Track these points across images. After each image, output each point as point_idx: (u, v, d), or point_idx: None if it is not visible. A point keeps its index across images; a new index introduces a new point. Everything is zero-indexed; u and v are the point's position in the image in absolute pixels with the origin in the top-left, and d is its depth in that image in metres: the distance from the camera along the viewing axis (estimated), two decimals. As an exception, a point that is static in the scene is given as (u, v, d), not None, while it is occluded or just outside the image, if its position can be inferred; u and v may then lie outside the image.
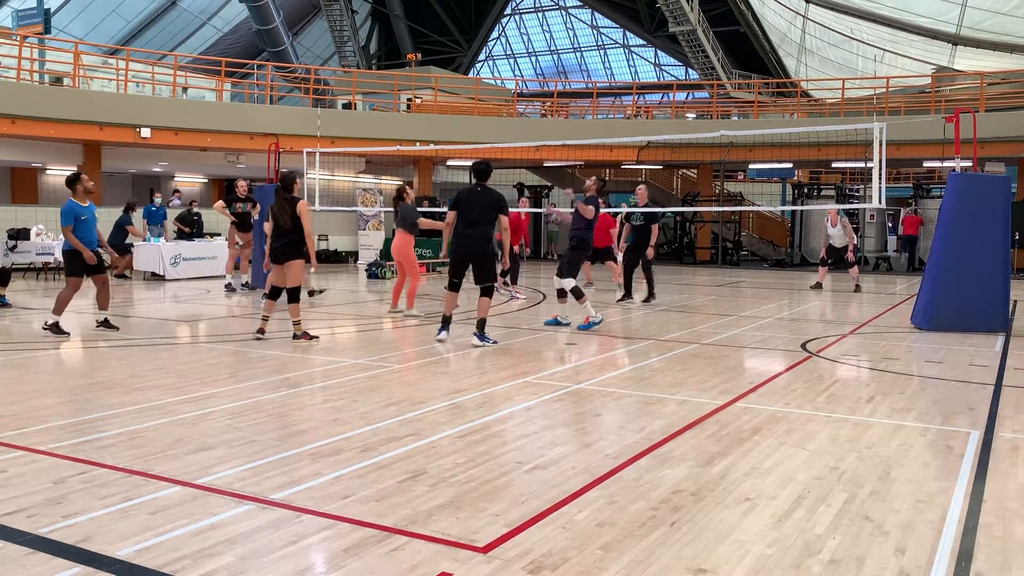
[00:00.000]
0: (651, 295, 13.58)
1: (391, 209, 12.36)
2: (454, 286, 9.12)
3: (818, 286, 16.73)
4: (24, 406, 5.86)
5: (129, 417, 5.56)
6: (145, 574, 3.14)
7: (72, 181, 9.37)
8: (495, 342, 8.94)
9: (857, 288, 16.24)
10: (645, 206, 13.59)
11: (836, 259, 16.76)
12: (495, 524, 3.68)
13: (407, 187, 11.72)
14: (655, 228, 13.48)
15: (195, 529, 3.57)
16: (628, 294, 13.59)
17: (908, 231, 24.45)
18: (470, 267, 9.08)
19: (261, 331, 9.25)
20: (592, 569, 3.23)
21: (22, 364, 7.73)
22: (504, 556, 3.33)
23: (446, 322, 9.12)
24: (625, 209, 15.09)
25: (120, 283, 16.80)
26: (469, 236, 8.91)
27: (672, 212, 26.65)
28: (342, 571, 3.19)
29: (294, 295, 9.27)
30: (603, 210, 15.65)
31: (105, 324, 9.69)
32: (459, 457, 4.70)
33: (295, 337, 9.16)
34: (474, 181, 9.13)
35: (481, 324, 9.00)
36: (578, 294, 10.18)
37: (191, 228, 18.57)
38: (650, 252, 13.28)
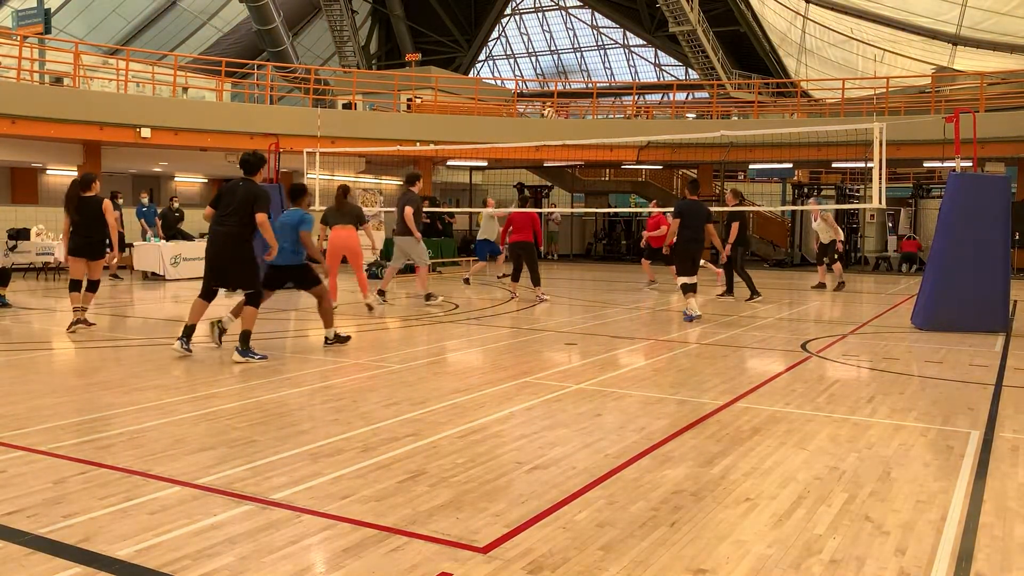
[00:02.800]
0: (752, 292, 14.33)
1: (391, 209, 12.58)
2: (205, 294, 8.11)
3: (820, 286, 16.70)
4: (24, 406, 5.86)
5: (129, 417, 5.56)
6: (145, 574, 3.14)
7: (300, 194, 8.98)
8: (263, 356, 7.87)
9: (840, 286, 16.17)
10: (736, 205, 14.57)
11: (830, 256, 16.69)
12: (495, 524, 3.68)
13: (349, 186, 12.54)
14: (735, 226, 14.34)
15: (195, 529, 3.57)
16: (729, 290, 14.90)
17: (907, 248, 24.75)
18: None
19: (83, 322, 9.74)
20: (592, 569, 3.23)
21: (22, 364, 7.73)
22: (504, 556, 3.33)
23: (187, 332, 7.99)
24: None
25: (115, 282, 16.80)
26: (216, 235, 7.88)
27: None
28: (342, 571, 3.19)
29: (95, 286, 10.00)
30: (656, 210, 16.59)
31: (337, 339, 8.87)
32: (459, 457, 4.70)
33: (76, 323, 9.66)
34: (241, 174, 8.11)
35: (244, 338, 7.83)
36: (684, 290, 11.30)
37: (171, 226, 18.58)
38: (727, 249, 14.21)
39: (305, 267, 8.74)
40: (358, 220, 11.77)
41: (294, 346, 9.30)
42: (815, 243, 16.97)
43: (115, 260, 10.09)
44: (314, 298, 8.88)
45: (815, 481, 4.35)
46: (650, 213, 17.08)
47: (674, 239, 11.57)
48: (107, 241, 9.91)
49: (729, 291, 14.78)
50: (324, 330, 8.85)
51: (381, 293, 12.70)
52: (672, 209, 12.02)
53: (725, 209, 14.87)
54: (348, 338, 8.97)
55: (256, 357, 7.83)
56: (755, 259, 28.27)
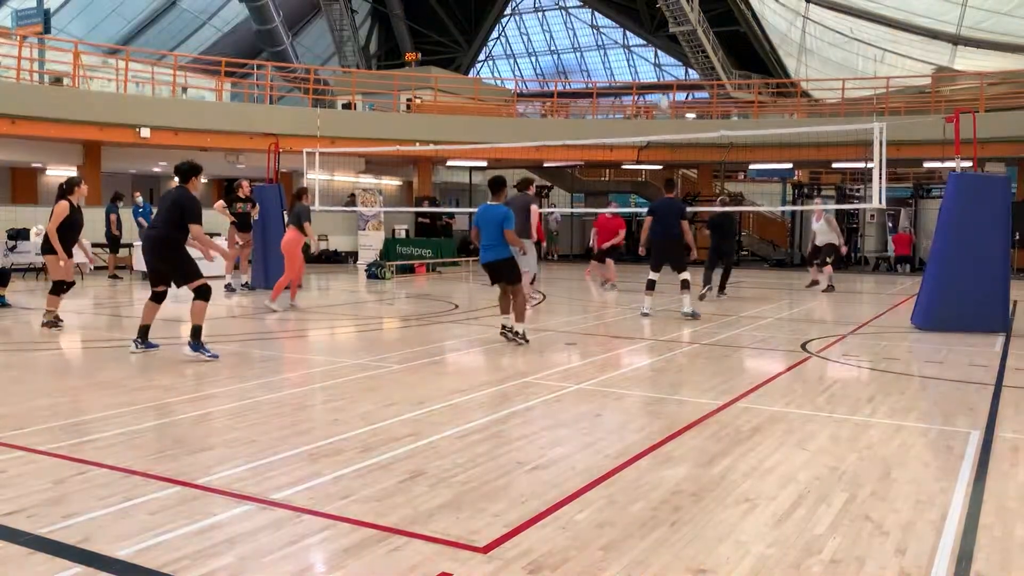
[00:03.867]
0: (705, 287, 14.54)
1: (391, 209, 12.69)
2: (155, 296, 8.21)
3: (813, 283, 16.65)
4: (24, 406, 5.85)
5: (129, 417, 5.55)
6: (145, 574, 3.14)
7: (501, 186, 9.18)
8: (215, 355, 7.80)
9: (829, 288, 16.02)
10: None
11: (822, 257, 16.50)
12: (495, 524, 3.67)
13: (306, 190, 13.04)
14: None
15: (195, 529, 3.56)
16: (721, 288, 14.80)
17: (901, 251, 24.58)
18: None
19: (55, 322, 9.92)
20: (592, 569, 3.23)
21: (22, 364, 7.73)
22: (504, 556, 3.33)
23: (142, 333, 8.15)
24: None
25: (114, 283, 16.79)
26: (146, 239, 8.21)
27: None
28: (342, 571, 3.19)
29: (55, 288, 9.94)
30: (612, 211, 16.64)
31: (516, 335, 9.09)
32: (459, 457, 4.70)
33: (43, 324, 9.77)
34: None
35: (195, 332, 7.82)
36: (647, 284, 11.95)
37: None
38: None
39: (512, 261, 9.11)
40: (297, 219, 12.29)
41: (293, 346, 9.31)
42: (811, 243, 16.84)
43: (62, 262, 10.13)
44: (510, 296, 9.15)
45: (815, 481, 4.35)
46: (595, 215, 17.04)
47: (645, 236, 11.88)
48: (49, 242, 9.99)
49: (721, 289, 14.71)
50: (514, 323, 9.08)
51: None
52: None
53: (705, 209, 15.01)
54: (528, 341, 9.05)
55: (207, 354, 7.76)
56: (755, 259, 28.31)
